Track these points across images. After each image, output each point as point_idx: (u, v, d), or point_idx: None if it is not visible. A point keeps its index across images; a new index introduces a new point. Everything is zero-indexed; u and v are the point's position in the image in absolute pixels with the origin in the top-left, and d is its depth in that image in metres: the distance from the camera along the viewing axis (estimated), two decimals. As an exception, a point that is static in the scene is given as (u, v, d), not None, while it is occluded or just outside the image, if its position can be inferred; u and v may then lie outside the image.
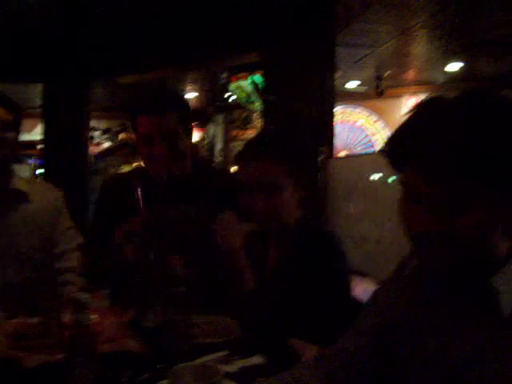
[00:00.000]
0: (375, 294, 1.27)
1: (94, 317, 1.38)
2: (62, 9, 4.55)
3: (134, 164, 7.38)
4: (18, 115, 2.12)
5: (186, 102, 2.23)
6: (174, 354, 1.42)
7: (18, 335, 1.43)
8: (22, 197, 2.15)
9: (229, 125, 7.72)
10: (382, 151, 1.02)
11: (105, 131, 8.10)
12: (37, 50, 4.95)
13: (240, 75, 5.73)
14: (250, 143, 1.83)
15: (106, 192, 2.27)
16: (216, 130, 7.96)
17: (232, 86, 5.85)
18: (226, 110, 7.67)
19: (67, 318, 1.31)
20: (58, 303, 1.54)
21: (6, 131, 2.04)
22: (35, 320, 1.55)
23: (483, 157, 0.88)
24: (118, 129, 8.05)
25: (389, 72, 6.22)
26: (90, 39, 4.87)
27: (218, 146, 7.98)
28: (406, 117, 0.99)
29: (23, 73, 5.25)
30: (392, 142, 1.01)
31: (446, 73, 6.18)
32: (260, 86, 5.16)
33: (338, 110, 7.25)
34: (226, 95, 6.51)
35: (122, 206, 1.89)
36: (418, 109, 0.99)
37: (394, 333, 1.12)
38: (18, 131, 2.12)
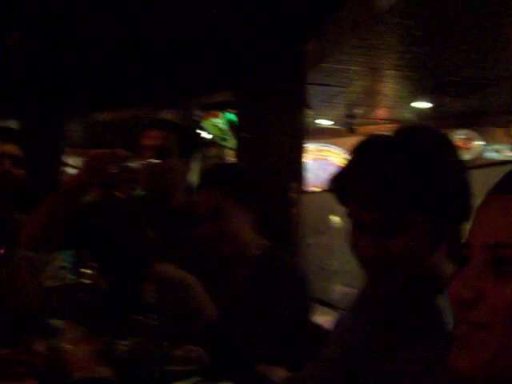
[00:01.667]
0: (339, 322, 1.32)
1: (67, 346, 1.40)
2: (37, 50, 4.61)
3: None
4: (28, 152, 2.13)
5: (187, 131, 2.35)
6: (145, 381, 1.44)
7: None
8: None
9: (203, 161, 7.78)
10: (329, 189, 1.13)
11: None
12: (14, 88, 4.99)
13: (213, 113, 5.81)
14: (202, 175, 1.92)
15: None
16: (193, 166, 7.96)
17: (206, 123, 5.92)
18: (200, 147, 7.73)
19: (40, 345, 1.33)
20: (28, 331, 1.55)
21: (17, 167, 2.06)
22: (5, 351, 1.55)
23: (402, 188, 0.99)
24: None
25: (359, 110, 6.37)
26: (66, 77, 4.92)
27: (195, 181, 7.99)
28: (350, 156, 1.10)
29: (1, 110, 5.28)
30: (337, 179, 1.12)
31: (414, 111, 6.36)
32: (233, 123, 5.25)
33: (312, 148, 7.42)
34: (199, 132, 6.57)
35: None
36: (358, 148, 1.10)
37: (355, 359, 1.17)
38: (26, 168, 2.13)
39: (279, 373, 1.40)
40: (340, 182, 1.11)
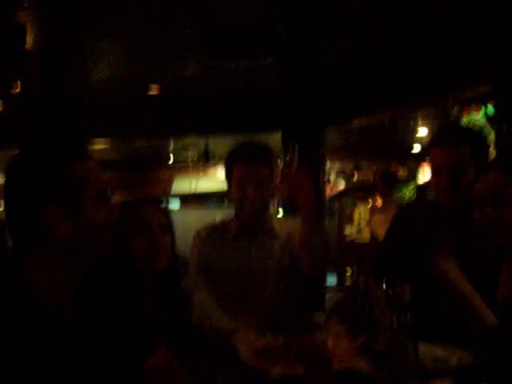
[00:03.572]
0: None
1: (330, 340, 1.55)
2: (295, 66, 4.98)
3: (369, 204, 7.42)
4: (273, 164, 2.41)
5: (481, 137, 2.26)
6: (402, 377, 1.51)
7: (266, 350, 1.66)
8: (274, 233, 2.41)
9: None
10: None
11: (339, 173, 8.35)
12: (275, 103, 5.45)
13: (472, 107, 5.57)
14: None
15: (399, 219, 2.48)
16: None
17: (464, 119, 5.70)
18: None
19: (307, 339, 1.50)
20: (299, 326, 1.74)
21: (263, 187, 2.35)
22: (280, 339, 1.77)
23: None
24: (352, 170, 8.25)
25: None
26: (323, 87, 5.20)
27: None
28: None
29: (265, 123, 5.84)
30: None
31: None
32: (491, 116, 4.98)
33: None
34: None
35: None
36: None
37: None
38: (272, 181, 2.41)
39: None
40: None
